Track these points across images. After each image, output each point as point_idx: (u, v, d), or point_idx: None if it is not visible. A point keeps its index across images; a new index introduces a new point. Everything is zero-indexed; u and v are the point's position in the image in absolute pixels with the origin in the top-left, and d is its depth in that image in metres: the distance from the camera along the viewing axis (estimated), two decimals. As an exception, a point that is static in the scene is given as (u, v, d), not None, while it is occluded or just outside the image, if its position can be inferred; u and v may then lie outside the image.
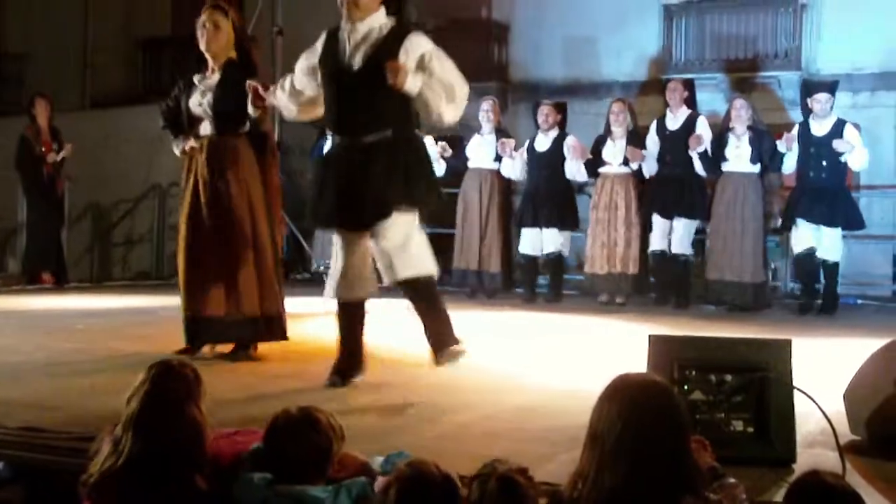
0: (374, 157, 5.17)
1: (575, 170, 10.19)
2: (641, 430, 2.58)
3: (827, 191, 9.20)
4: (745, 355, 3.80)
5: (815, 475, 2.64)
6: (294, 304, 8.95)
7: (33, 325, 7.76)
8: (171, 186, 13.17)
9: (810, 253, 9.35)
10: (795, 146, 9.24)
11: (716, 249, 9.60)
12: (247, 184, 6.03)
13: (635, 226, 9.99)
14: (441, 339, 5.41)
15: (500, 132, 10.60)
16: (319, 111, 5.60)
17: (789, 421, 3.67)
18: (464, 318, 8.70)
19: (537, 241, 10.36)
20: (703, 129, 9.64)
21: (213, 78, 6.08)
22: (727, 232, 9.44)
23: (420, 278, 5.30)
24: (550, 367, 6.09)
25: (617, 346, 6.72)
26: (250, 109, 5.89)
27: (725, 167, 9.46)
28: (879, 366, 4.01)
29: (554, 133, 10.34)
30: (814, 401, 3.62)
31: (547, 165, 10.28)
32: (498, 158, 10.47)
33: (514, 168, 10.43)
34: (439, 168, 10.41)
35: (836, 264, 9.40)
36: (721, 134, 9.61)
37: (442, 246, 10.90)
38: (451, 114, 5.31)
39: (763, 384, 3.68)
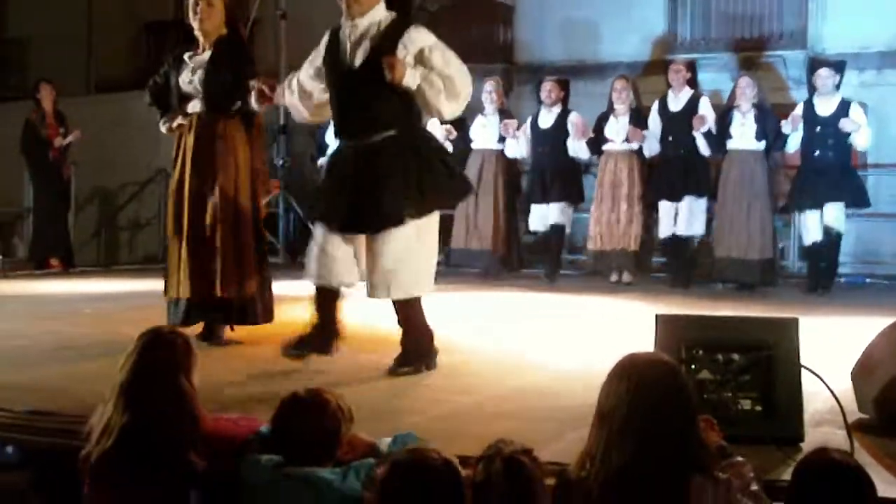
0: (382, 161, 5.07)
1: (577, 147, 10.17)
2: (649, 409, 2.58)
3: (832, 169, 9.16)
4: (753, 334, 3.81)
5: (823, 452, 2.65)
6: (298, 287, 8.99)
7: (41, 309, 7.78)
8: (176, 170, 13.15)
9: (818, 245, 9.31)
10: (800, 125, 9.20)
11: (723, 227, 9.57)
12: (235, 163, 5.96)
13: (638, 203, 9.97)
14: (414, 357, 5.20)
15: (504, 113, 10.56)
16: (326, 113, 5.56)
17: (797, 399, 3.67)
18: (468, 299, 8.79)
19: (546, 216, 10.34)
20: (705, 109, 9.60)
21: (204, 55, 5.99)
22: (734, 209, 9.41)
23: (410, 300, 5.18)
24: (557, 347, 6.09)
25: (624, 326, 6.72)
26: (255, 105, 5.86)
27: (730, 145, 9.43)
28: (887, 344, 4.01)
29: (557, 109, 10.32)
30: (821, 379, 3.63)
31: (550, 142, 10.25)
32: (502, 139, 10.45)
33: (519, 147, 10.41)
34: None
35: (839, 235, 9.37)
36: (726, 112, 9.57)
37: (448, 226, 10.93)
38: (450, 109, 5.22)
39: (770, 363, 3.68)
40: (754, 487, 2.79)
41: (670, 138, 9.74)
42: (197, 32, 6.01)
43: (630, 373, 2.66)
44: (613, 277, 10.15)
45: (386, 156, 5.09)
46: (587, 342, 6.21)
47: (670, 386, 2.66)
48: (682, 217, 9.70)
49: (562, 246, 10.72)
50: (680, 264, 9.94)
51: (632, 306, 8.16)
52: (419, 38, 5.16)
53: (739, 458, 2.89)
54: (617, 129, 9.94)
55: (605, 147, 10.08)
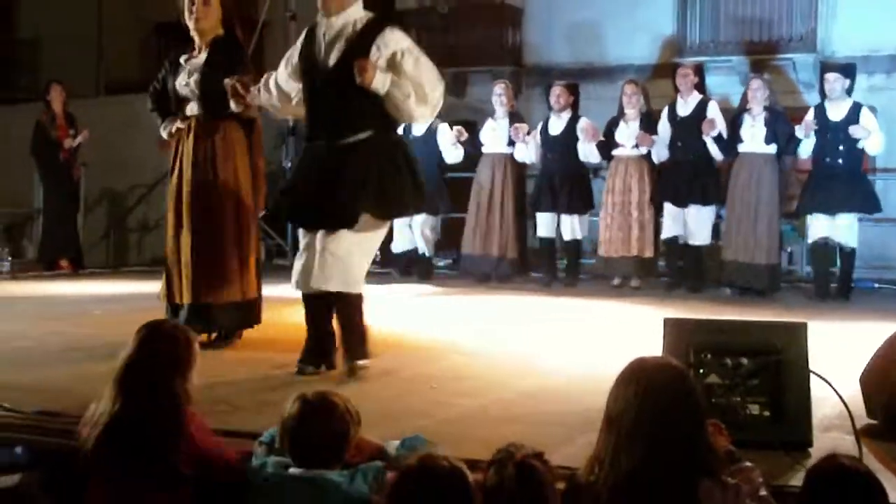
0: (349, 161, 5.04)
1: (587, 152, 10.15)
2: (658, 413, 2.58)
3: (842, 175, 9.11)
4: (761, 339, 3.80)
5: (833, 459, 2.64)
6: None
7: (50, 310, 7.80)
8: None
9: (825, 243, 9.29)
10: (812, 131, 9.17)
11: (731, 231, 9.54)
12: (234, 166, 5.91)
13: (649, 209, 9.94)
14: (352, 351, 5.18)
15: (514, 116, 10.54)
16: (303, 111, 5.51)
17: (805, 405, 3.66)
18: (475, 302, 8.79)
19: (554, 224, 10.34)
20: (714, 113, 9.57)
21: (200, 57, 5.93)
22: (742, 213, 9.38)
23: (348, 294, 5.14)
24: (565, 350, 6.08)
25: (632, 330, 6.71)
26: (232, 105, 5.73)
27: (741, 148, 9.39)
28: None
29: (567, 114, 10.30)
30: (830, 384, 3.62)
31: (561, 147, 10.23)
32: (512, 143, 10.44)
33: (528, 152, 10.39)
34: (455, 152, 10.43)
35: (852, 251, 9.34)
36: (737, 114, 9.55)
37: (458, 231, 10.95)
38: (421, 113, 5.19)
39: (779, 368, 3.68)
40: (763, 493, 2.78)
41: (679, 143, 9.71)
42: (193, 33, 5.94)
43: (638, 377, 2.66)
44: (616, 281, 10.12)
45: (356, 157, 5.05)
46: (595, 346, 6.20)
47: (679, 390, 2.65)
48: (689, 226, 9.67)
49: (580, 258, 10.69)
50: (688, 267, 9.93)
51: (639, 310, 8.15)
52: (393, 40, 5.10)
53: (748, 464, 2.89)
54: (627, 134, 9.91)
55: (615, 152, 10.04)
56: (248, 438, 3.44)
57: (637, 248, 9.93)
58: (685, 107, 9.77)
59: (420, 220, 10.35)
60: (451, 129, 10.37)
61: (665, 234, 9.88)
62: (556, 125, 10.31)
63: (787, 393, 3.65)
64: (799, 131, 9.15)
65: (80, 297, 8.82)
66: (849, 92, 9.25)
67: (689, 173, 9.65)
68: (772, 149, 9.31)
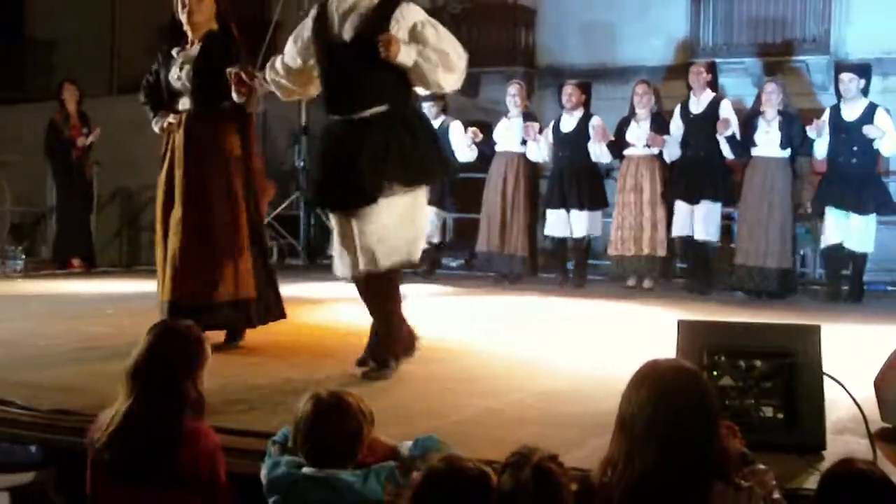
0: (368, 136, 5.02)
1: (598, 151, 10.16)
2: (671, 415, 2.57)
3: (857, 176, 9.10)
4: (775, 341, 3.79)
5: (848, 463, 2.63)
6: (319, 289, 9.01)
7: (63, 309, 7.82)
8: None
9: (838, 247, 9.27)
10: (826, 131, 9.15)
11: (743, 235, 9.54)
12: (226, 162, 5.78)
13: (661, 208, 9.93)
14: (380, 353, 5.16)
15: (527, 116, 10.56)
16: (313, 90, 5.51)
17: (819, 407, 3.65)
18: (490, 303, 8.78)
19: (564, 223, 10.34)
20: (727, 112, 9.56)
21: (193, 50, 5.81)
22: (755, 217, 9.36)
23: (381, 276, 5.08)
24: (578, 352, 6.08)
25: (645, 332, 6.71)
26: (234, 96, 5.63)
27: (755, 152, 9.38)
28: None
29: (578, 113, 10.31)
30: (844, 387, 3.61)
31: (572, 146, 10.24)
32: (525, 142, 10.44)
33: (540, 151, 10.40)
34: (470, 153, 10.45)
35: (864, 255, 9.32)
36: (751, 117, 9.53)
37: (470, 230, 10.97)
38: (451, 81, 5.14)
39: (792, 370, 3.67)
40: (776, 496, 2.78)
41: (691, 141, 9.72)
42: (186, 27, 5.82)
43: (652, 379, 2.66)
44: (631, 282, 10.11)
45: (374, 132, 5.03)
46: (608, 347, 6.20)
47: (692, 392, 2.65)
48: (698, 221, 9.67)
49: (587, 255, 10.70)
50: (697, 269, 9.93)
51: (652, 312, 8.14)
52: (410, 13, 5.10)
53: (761, 466, 2.88)
54: (638, 134, 9.92)
55: (626, 152, 10.05)
56: (262, 438, 3.44)
57: (649, 247, 9.92)
58: (698, 104, 9.77)
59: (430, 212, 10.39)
60: (467, 130, 10.39)
61: (675, 232, 9.87)
62: (568, 123, 10.32)
63: (801, 395, 3.65)
64: (811, 131, 9.14)
65: (93, 296, 8.84)
66: (864, 92, 9.22)
67: (700, 170, 9.64)
68: (786, 153, 9.30)
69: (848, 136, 9.08)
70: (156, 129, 5.98)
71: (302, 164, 13.33)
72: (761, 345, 3.78)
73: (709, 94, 9.77)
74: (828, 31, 15.17)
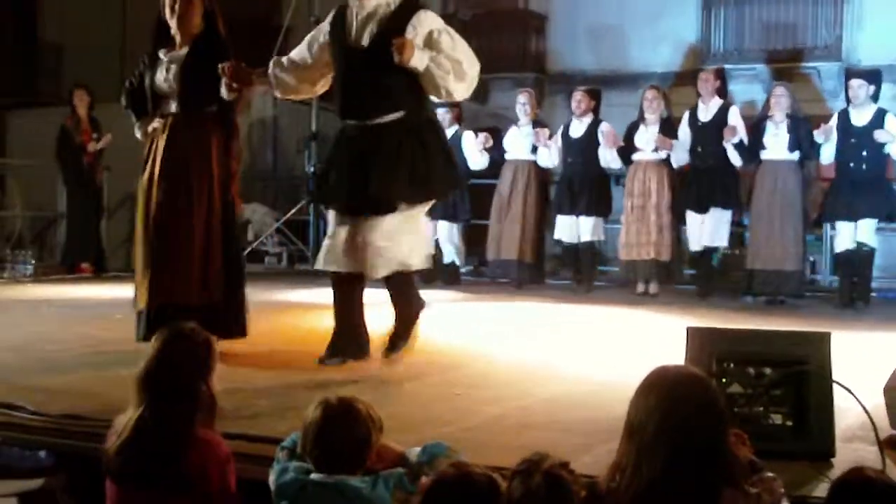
0: (384, 143, 5.08)
1: (608, 157, 10.18)
2: (680, 422, 2.57)
3: (866, 181, 9.09)
4: (784, 348, 3.78)
5: (859, 471, 2.62)
6: (329, 294, 9.00)
7: (73, 314, 7.84)
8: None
9: (850, 253, 9.26)
10: (834, 136, 9.15)
11: (756, 239, 9.54)
12: (209, 167, 5.66)
13: (668, 213, 9.94)
14: (395, 339, 5.32)
15: (537, 124, 10.58)
16: (311, 90, 5.58)
17: (828, 415, 3.64)
18: (496, 309, 8.79)
19: (573, 228, 10.35)
20: (735, 119, 9.57)
21: (181, 52, 5.73)
22: (767, 221, 9.36)
23: (400, 272, 5.24)
24: (587, 358, 6.08)
25: (653, 338, 6.70)
26: (224, 93, 5.55)
27: (764, 155, 9.39)
28: (920, 360, 3.98)
29: (588, 119, 10.34)
30: (853, 395, 3.60)
31: (581, 152, 10.28)
32: (534, 150, 10.47)
33: (551, 157, 10.42)
34: (482, 160, 10.49)
35: (871, 251, 9.30)
36: (759, 121, 9.54)
37: (481, 237, 10.99)
38: (460, 91, 5.21)
39: (802, 378, 3.66)
40: (785, 503, 2.77)
41: (699, 149, 9.72)
42: (173, 29, 5.75)
43: (660, 386, 2.65)
44: (640, 289, 10.12)
45: (389, 139, 5.10)
46: (616, 353, 6.19)
47: (701, 399, 2.64)
48: (707, 228, 9.69)
49: (595, 261, 10.72)
50: (702, 274, 9.95)
51: (660, 318, 8.14)
52: (427, 20, 5.18)
53: (770, 474, 2.87)
54: (647, 139, 9.93)
55: (634, 157, 10.07)
56: (271, 443, 3.45)
57: (655, 252, 9.93)
58: (706, 112, 9.78)
59: (443, 228, 10.44)
60: (476, 136, 10.42)
61: (692, 247, 9.94)
62: (577, 129, 10.35)
63: (810, 403, 3.64)
64: (818, 136, 9.14)
65: (103, 301, 8.85)
66: (875, 98, 9.22)
67: (709, 178, 9.66)
68: (795, 156, 9.32)
69: (857, 141, 9.08)
70: (138, 134, 5.89)
71: (312, 169, 13.35)
72: (771, 352, 3.77)
73: (717, 102, 9.78)
74: (839, 38, 15.15)
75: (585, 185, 10.27)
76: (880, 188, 9.24)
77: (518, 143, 10.57)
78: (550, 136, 10.37)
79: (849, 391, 3.61)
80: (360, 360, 5.32)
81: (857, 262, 9.34)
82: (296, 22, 13.68)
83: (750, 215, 9.73)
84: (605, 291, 10.40)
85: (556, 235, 10.58)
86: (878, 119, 9.08)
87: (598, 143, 10.17)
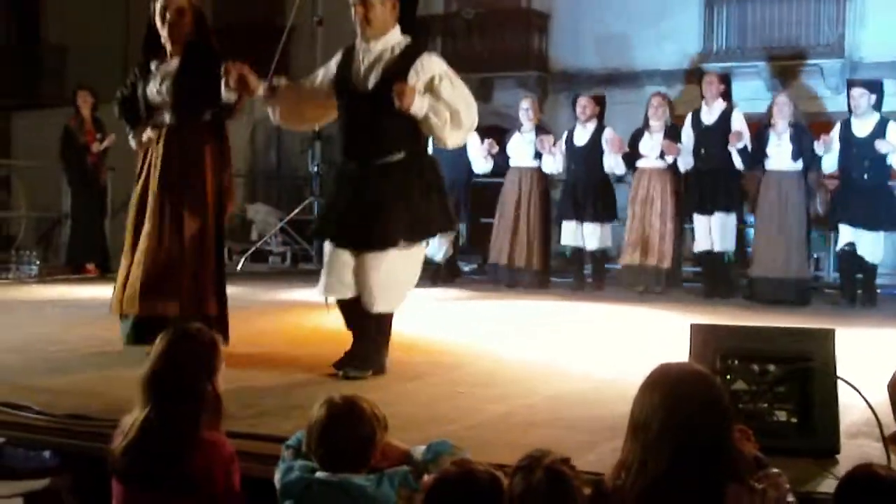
0: (386, 183, 5.16)
1: (613, 163, 10.20)
2: (684, 419, 2.57)
3: (869, 191, 9.13)
4: (788, 345, 3.78)
5: (867, 468, 2.62)
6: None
7: (78, 314, 7.83)
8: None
9: (851, 249, 9.26)
10: (835, 145, 9.16)
11: (760, 248, 9.56)
12: (203, 178, 5.66)
13: (671, 220, 9.96)
14: (354, 360, 5.25)
15: (540, 129, 10.59)
16: (317, 115, 5.68)
17: (833, 411, 3.64)
18: (503, 308, 8.79)
19: (578, 234, 10.38)
20: (739, 123, 9.58)
21: (173, 63, 5.71)
22: (771, 229, 9.39)
23: (384, 314, 5.29)
24: (591, 356, 6.09)
25: (657, 336, 6.71)
26: (224, 92, 5.49)
27: (768, 165, 9.43)
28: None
29: (592, 125, 10.35)
30: (858, 391, 3.60)
31: (585, 158, 10.30)
32: (538, 156, 10.48)
33: (555, 163, 10.44)
34: (486, 164, 10.53)
35: (874, 266, 9.34)
36: (762, 130, 9.54)
37: (484, 235, 11.01)
38: (454, 139, 5.29)
39: (806, 374, 3.66)
40: (790, 499, 2.77)
41: (702, 151, 9.74)
42: (165, 40, 5.73)
43: (664, 383, 2.65)
44: (640, 288, 10.11)
45: (390, 179, 5.18)
46: (620, 351, 6.20)
47: (705, 396, 2.64)
48: (715, 233, 9.69)
49: (604, 266, 10.75)
50: (715, 280, 9.94)
51: (664, 316, 8.14)
52: (430, 65, 5.22)
53: (775, 470, 2.87)
54: (651, 146, 9.94)
55: (639, 163, 10.08)
56: (276, 442, 3.45)
57: (657, 259, 9.95)
58: (709, 115, 9.80)
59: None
60: (483, 141, 10.44)
61: (697, 248, 9.95)
62: (582, 135, 10.36)
63: (815, 399, 3.64)
64: (818, 147, 9.16)
65: (107, 301, 8.84)
66: (877, 107, 9.22)
67: (713, 181, 9.68)
68: (798, 165, 9.33)
69: (859, 150, 9.09)
70: (132, 143, 5.89)
71: (315, 169, 13.36)
72: (775, 349, 3.77)
73: (720, 104, 9.79)
74: (842, 35, 15.13)
75: (590, 191, 10.31)
76: (882, 198, 9.26)
77: (521, 149, 10.59)
78: (555, 143, 10.37)
79: (853, 388, 3.61)
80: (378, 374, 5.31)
81: (857, 261, 9.34)
82: (299, 22, 13.67)
83: (754, 223, 9.75)
84: (609, 290, 10.40)
85: (563, 241, 10.60)
86: (881, 129, 9.09)
87: (602, 150, 10.19)
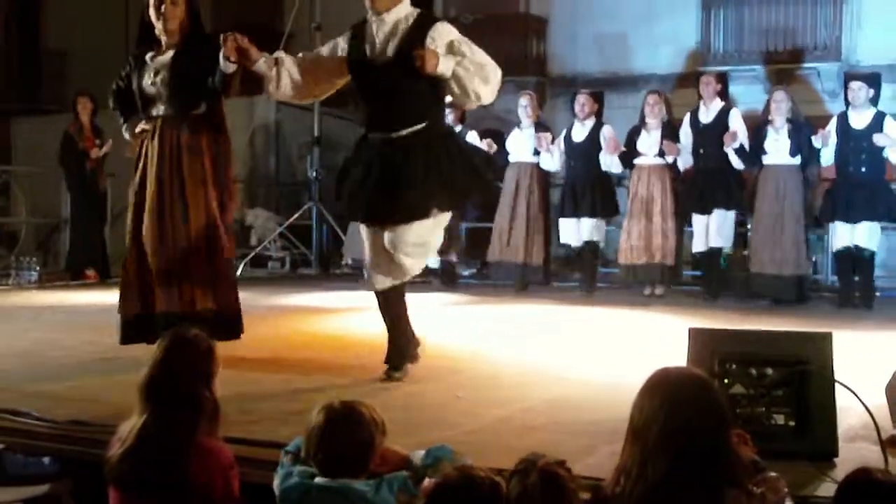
0: (412, 154, 5.15)
1: (609, 162, 10.21)
2: (683, 424, 2.57)
3: (866, 185, 9.13)
4: (786, 349, 3.79)
5: (865, 472, 2.63)
6: (331, 298, 9.05)
7: (77, 320, 7.85)
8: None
9: (848, 251, 9.28)
10: (833, 139, 9.17)
11: (758, 244, 9.56)
12: (202, 172, 5.64)
13: (671, 217, 9.96)
14: (396, 357, 5.35)
15: (539, 126, 10.62)
16: (316, 91, 5.61)
17: (830, 415, 3.65)
18: (502, 312, 8.80)
19: (576, 231, 10.38)
20: (736, 122, 9.60)
21: (167, 55, 5.69)
22: (769, 226, 9.39)
23: (398, 285, 5.33)
24: (590, 360, 6.09)
25: (655, 339, 6.71)
26: (223, 64, 5.38)
27: (765, 160, 9.43)
28: (922, 359, 3.98)
29: (590, 122, 10.37)
30: (855, 394, 3.61)
31: (584, 155, 10.32)
32: (537, 153, 10.50)
33: (553, 161, 10.46)
34: None
35: (872, 255, 9.32)
36: (760, 126, 9.56)
37: (484, 239, 11.02)
38: (486, 93, 5.24)
39: (804, 378, 3.67)
40: (788, 503, 2.78)
41: (701, 151, 9.76)
42: (159, 33, 5.71)
43: (663, 388, 2.66)
44: (647, 291, 10.14)
45: (416, 149, 5.17)
46: (619, 355, 6.20)
47: (703, 400, 2.65)
48: (712, 229, 9.71)
49: (597, 261, 10.75)
50: (711, 276, 9.96)
51: (663, 319, 8.14)
52: (446, 31, 5.24)
53: (773, 474, 2.88)
54: (649, 144, 9.95)
55: (636, 161, 10.08)
56: (275, 448, 3.46)
57: (659, 256, 9.95)
58: (707, 114, 9.81)
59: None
60: (482, 140, 10.45)
61: (696, 248, 9.96)
62: (580, 132, 10.37)
63: (813, 403, 3.65)
64: (816, 141, 9.17)
65: (107, 307, 8.82)
66: (874, 101, 9.23)
67: (712, 180, 9.69)
68: (796, 160, 9.33)
69: (856, 143, 9.10)
70: (126, 135, 5.88)
71: (315, 174, 13.36)
72: (772, 352, 3.78)
73: (718, 104, 9.81)
74: (838, 39, 15.17)
75: (588, 188, 10.31)
76: (879, 191, 9.26)
77: (520, 145, 10.61)
78: (553, 140, 10.39)
79: (851, 391, 3.62)
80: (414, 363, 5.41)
81: (856, 261, 9.35)
82: (297, 28, 13.70)
83: (752, 219, 9.75)
84: (607, 293, 10.41)
85: (562, 239, 10.62)
86: (878, 122, 9.09)
87: (600, 147, 10.20)
